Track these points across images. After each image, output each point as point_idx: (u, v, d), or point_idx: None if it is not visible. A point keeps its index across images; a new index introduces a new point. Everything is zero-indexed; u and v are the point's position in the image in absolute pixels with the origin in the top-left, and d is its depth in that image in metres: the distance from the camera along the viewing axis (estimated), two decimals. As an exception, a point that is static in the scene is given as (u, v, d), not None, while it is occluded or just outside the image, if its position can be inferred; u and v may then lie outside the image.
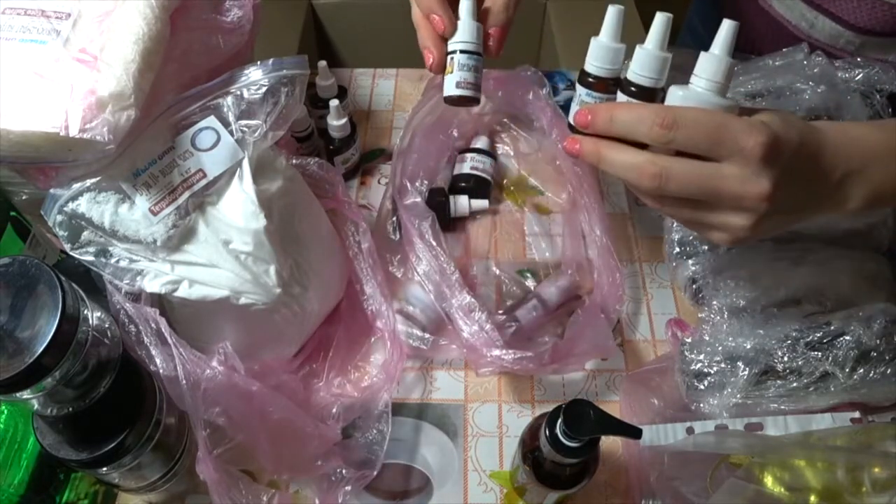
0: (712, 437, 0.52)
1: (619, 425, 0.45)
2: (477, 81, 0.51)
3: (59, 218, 0.48)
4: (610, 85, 0.46)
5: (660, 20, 0.43)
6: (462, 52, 0.50)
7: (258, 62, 0.53)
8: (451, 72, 0.51)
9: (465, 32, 0.50)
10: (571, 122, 0.46)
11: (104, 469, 0.48)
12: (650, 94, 0.44)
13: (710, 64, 0.42)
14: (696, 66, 0.42)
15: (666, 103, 0.43)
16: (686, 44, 0.94)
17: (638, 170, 0.41)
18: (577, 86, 0.48)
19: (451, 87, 0.51)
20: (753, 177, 0.40)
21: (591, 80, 0.47)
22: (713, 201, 0.42)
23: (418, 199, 0.67)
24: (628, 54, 0.46)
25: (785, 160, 0.41)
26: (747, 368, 0.55)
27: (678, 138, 0.40)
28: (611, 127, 0.42)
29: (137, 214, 0.49)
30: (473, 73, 0.51)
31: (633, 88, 0.44)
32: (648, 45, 0.44)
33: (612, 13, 0.45)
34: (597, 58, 0.46)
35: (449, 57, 0.51)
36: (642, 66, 0.44)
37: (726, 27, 0.42)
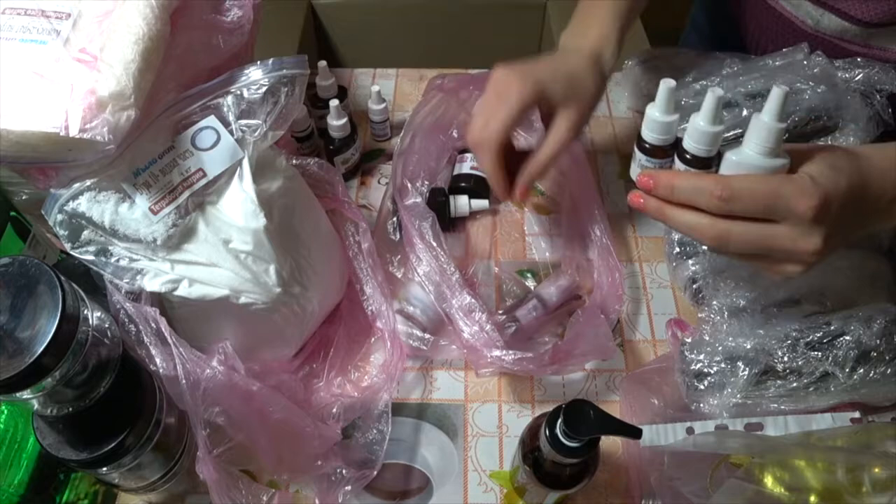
0: (712, 437, 0.52)
1: (619, 425, 0.45)
2: None
3: (60, 217, 0.48)
4: (667, 149, 0.49)
5: (710, 98, 0.44)
6: None
7: (258, 62, 0.53)
8: None
9: None
10: (633, 179, 0.49)
11: (104, 469, 0.48)
12: (705, 162, 0.47)
13: (761, 131, 0.43)
14: (748, 131, 0.45)
15: (721, 168, 0.47)
16: (691, 42, 0.93)
17: (700, 230, 0.45)
18: (636, 149, 0.50)
19: None
20: (806, 236, 0.43)
21: (647, 146, 0.49)
22: (769, 255, 0.45)
23: (418, 200, 0.67)
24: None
25: (835, 212, 0.43)
26: (747, 368, 0.55)
27: (735, 208, 0.43)
28: (672, 195, 0.45)
29: (137, 213, 0.49)
30: None
31: (688, 157, 0.47)
32: (701, 121, 0.45)
33: (663, 89, 0.47)
34: (652, 129, 0.48)
35: None
36: (697, 139, 0.46)
37: (776, 94, 0.43)
